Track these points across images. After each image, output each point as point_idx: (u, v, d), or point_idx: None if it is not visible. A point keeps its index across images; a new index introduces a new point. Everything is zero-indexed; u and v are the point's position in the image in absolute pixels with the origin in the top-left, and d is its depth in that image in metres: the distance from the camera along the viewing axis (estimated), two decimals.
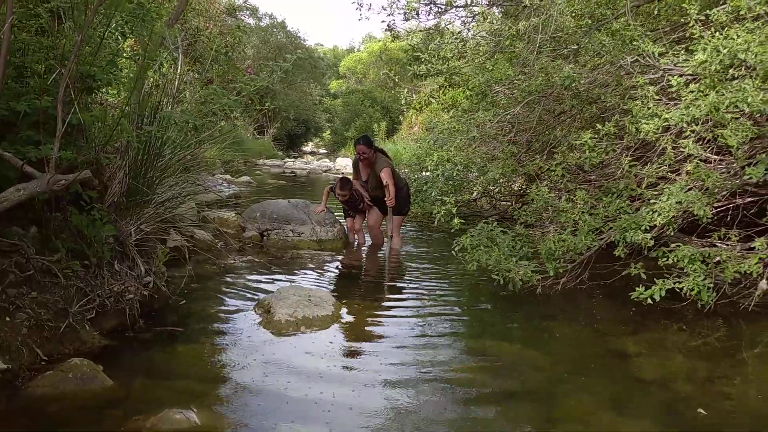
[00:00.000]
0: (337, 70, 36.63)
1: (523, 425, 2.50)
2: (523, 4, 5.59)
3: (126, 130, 3.09)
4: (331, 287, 4.61)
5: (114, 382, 2.60)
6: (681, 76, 4.02)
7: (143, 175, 3.58)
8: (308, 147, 34.92)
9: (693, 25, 4.03)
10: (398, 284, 4.91)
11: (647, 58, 4.48)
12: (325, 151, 32.04)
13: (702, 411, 2.63)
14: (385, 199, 5.71)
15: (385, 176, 5.68)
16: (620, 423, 2.54)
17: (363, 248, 6.08)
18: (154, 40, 3.48)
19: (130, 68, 3.76)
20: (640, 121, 3.83)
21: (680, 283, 3.43)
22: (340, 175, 7.03)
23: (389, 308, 4.21)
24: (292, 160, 21.65)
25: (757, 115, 3.67)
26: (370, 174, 5.97)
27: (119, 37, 3.46)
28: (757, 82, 3.50)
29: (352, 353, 3.21)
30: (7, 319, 2.68)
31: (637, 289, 3.46)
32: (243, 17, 21.19)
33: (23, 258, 2.90)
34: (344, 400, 2.62)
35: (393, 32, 7.68)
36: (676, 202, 3.54)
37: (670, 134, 3.87)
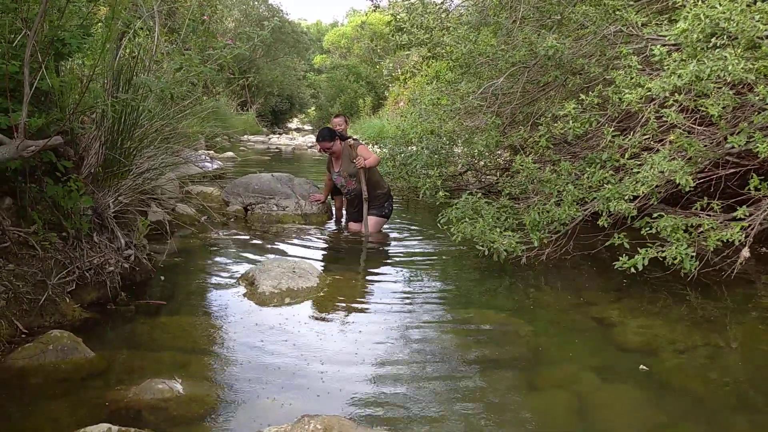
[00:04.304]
0: (320, 45, 36.11)
1: (507, 392, 2.52)
2: None
3: (97, 94, 3.00)
4: (316, 259, 4.59)
5: (95, 354, 2.57)
6: (663, 45, 3.99)
7: (120, 146, 3.50)
8: (293, 123, 34.56)
9: None
10: (383, 256, 4.91)
11: (630, 28, 4.45)
12: (310, 128, 31.72)
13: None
14: (354, 160, 5.21)
15: (362, 150, 5.29)
16: (603, 389, 2.57)
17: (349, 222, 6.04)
18: (124, 2, 3.36)
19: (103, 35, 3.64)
20: (624, 91, 3.81)
21: (663, 252, 3.45)
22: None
23: (374, 280, 4.21)
24: (277, 136, 21.45)
25: (740, 85, 3.67)
26: (342, 163, 5.45)
27: (89, 2, 3.33)
28: (738, 50, 3.49)
29: (336, 323, 3.21)
30: None
31: (620, 258, 3.49)
32: None
33: None
34: (329, 370, 2.62)
35: (374, 2, 7.54)
36: (659, 172, 3.55)
37: (654, 104, 3.86)
